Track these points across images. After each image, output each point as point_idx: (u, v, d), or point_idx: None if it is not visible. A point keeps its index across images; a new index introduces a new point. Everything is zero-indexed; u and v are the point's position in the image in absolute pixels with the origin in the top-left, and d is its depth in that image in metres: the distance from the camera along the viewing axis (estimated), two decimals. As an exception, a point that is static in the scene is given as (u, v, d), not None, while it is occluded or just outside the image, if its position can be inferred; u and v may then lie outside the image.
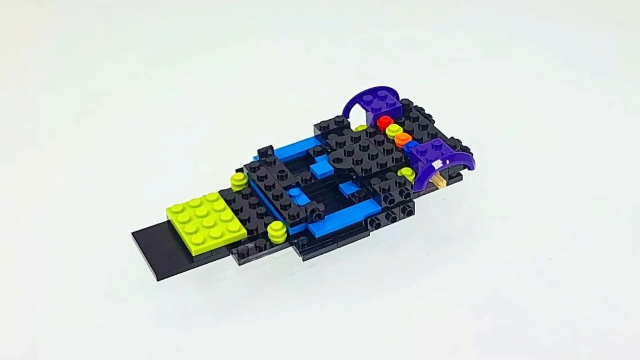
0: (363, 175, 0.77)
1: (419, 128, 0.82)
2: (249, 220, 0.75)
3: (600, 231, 0.78)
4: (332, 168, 0.79)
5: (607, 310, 0.71)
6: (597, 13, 1.07)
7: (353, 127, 0.84)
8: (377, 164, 0.78)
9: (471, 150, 0.80)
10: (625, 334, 0.70)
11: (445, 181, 0.78)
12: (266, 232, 0.74)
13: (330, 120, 0.83)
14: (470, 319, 0.71)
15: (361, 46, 1.04)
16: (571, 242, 0.77)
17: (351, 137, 0.81)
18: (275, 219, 0.75)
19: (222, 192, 0.77)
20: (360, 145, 0.80)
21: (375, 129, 0.82)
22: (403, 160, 0.78)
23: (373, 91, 0.85)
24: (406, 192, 0.76)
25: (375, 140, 0.80)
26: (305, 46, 1.04)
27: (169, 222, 0.77)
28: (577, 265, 0.75)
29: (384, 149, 0.79)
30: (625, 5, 1.08)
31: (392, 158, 0.78)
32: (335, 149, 0.80)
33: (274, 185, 0.76)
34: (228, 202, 0.76)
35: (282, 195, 0.75)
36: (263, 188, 0.76)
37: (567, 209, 0.80)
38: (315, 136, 0.83)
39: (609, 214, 0.79)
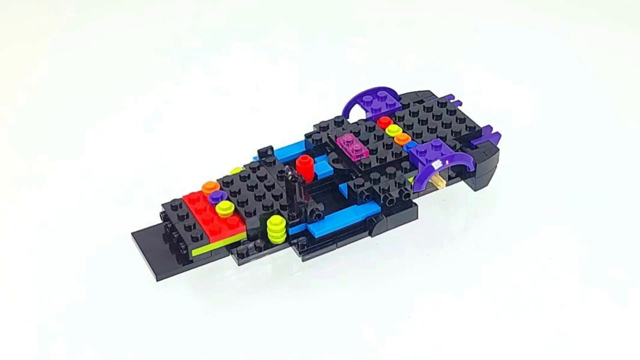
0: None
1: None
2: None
3: (601, 230, 0.78)
4: (332, 168, 0.79)
5: (608, 310, 0.71)
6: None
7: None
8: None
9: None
10: (625, 333, 0.69)
11: (445, 181, 0.78)
12: (266, 231, 0.74)
13: (330, 120, 0.83)
14: (470, 318, 0.71)
15: (362, 47, 1.04)
16: (571, 241, 0.77)
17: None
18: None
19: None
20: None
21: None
22: (402, 155, 0.78)
23: (373, 91, 0.85)
24: (406, 192, 0.76)
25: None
26: (305, 46, 1.04)
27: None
28: (577, 265, 0.75)
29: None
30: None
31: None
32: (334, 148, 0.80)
33: (273, 185, 0.76)
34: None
35: (281, 195, 0.75)
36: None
37: (567, 209, 0.80)
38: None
39: (610, 214, 0.79)
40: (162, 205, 0.76)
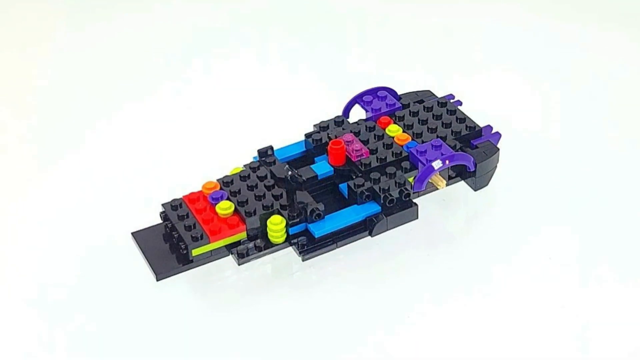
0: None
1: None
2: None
3: (601, 230, 0.78)
4: (332, 168, 0.79)
5: (608, 310, 0.71)
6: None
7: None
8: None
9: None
10: (626, 334, 0.69)
11: (445, 181, 0.78)
12: (266, 230, 0.74)
13: (330, 120, 0.83)
14: (470, 318, 0.71)
15: (362, 47, 1.04)
16: (571, 241, 0.77)
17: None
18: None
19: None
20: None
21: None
22: (402, 155, 0.78)
23: (373, 91, 0.85)
24: (406, 192, 0.76)
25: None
26: (306, 46, 1.04)
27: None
28: (577, 265, 0.75)
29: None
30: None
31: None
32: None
33: (274, 185, 0.76)
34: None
35: (281, 195, 0.75)
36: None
37: (567, 209, 0.80)
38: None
39: (610, 214, 0.79)
40: (162, 205, 0.76)
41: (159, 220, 0.78)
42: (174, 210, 0.75)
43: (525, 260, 0.75)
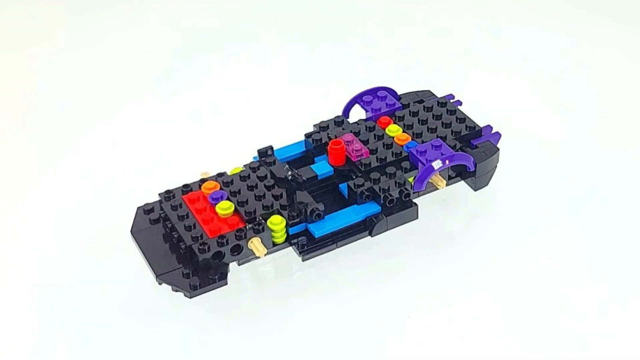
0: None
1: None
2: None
3: (601, 230, 0.78)
4: (332, 168, 0.79)
5: (608, 310, 0.71)
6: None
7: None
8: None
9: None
10: (626, 333, 0.69)
11: (445, 181, 0.78)
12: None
13: (330, 120, 0.83)
14: (470, 318, 0.71)
15: (361, 46, 1.04)
16: (571, 241, 0.77)
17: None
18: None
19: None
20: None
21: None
22: (402, 155, 0.78)
23: (373, 91, 0.85)
24: (406, 192, 0.76)
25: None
26: (305, 46, 1.04)
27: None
28: (577, 265, 0.75)
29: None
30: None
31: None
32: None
33: (273, 186, 0.76)
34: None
35: (281, 195, 0.75)
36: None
37: (567, 209, 0.80)
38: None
39: (610, 213, 0.79)
40: (162, 204, 0.76)
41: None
42: (174, 210, 0.75)
43: (525, 260, 0.75)
